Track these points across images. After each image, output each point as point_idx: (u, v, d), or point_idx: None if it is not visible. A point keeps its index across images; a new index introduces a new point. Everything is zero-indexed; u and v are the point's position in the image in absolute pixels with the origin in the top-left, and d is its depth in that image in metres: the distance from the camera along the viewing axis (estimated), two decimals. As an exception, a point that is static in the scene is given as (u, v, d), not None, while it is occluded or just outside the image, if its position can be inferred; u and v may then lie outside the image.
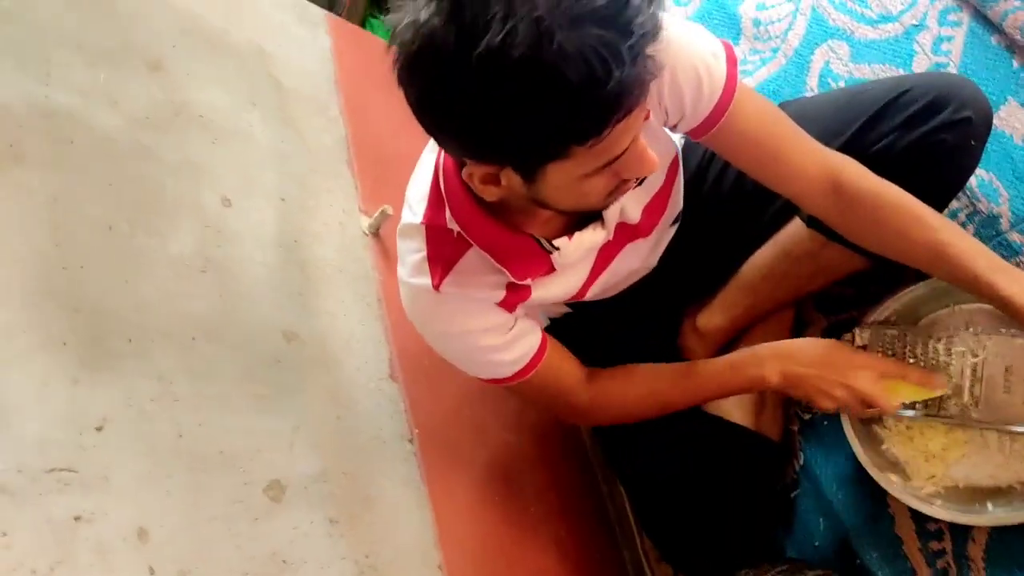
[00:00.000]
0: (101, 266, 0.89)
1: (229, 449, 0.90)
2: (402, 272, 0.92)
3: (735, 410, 1.09)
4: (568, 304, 1.09)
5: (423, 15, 0.61)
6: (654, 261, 1.09)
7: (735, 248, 1.11)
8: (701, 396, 1.02)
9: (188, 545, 0.80)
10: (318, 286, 1.15)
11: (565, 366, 1.02)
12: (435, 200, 0.87)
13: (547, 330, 1.08)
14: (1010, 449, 0.91)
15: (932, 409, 0.94)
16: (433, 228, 0.88)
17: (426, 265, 0.88)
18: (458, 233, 0.86)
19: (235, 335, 0.99)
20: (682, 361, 1.12)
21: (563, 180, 0.71)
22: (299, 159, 1.27)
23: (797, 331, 1.15)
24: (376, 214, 1.28)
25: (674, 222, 1.06)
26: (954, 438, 0.94)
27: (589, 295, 1.04)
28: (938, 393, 0.92)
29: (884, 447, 0.98)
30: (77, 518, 0.73)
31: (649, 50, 0.62)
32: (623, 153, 0.70)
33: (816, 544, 1.07)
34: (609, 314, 1.11)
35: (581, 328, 1.11)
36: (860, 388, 0.90)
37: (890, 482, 0.95)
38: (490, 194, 0.75)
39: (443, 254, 0.88)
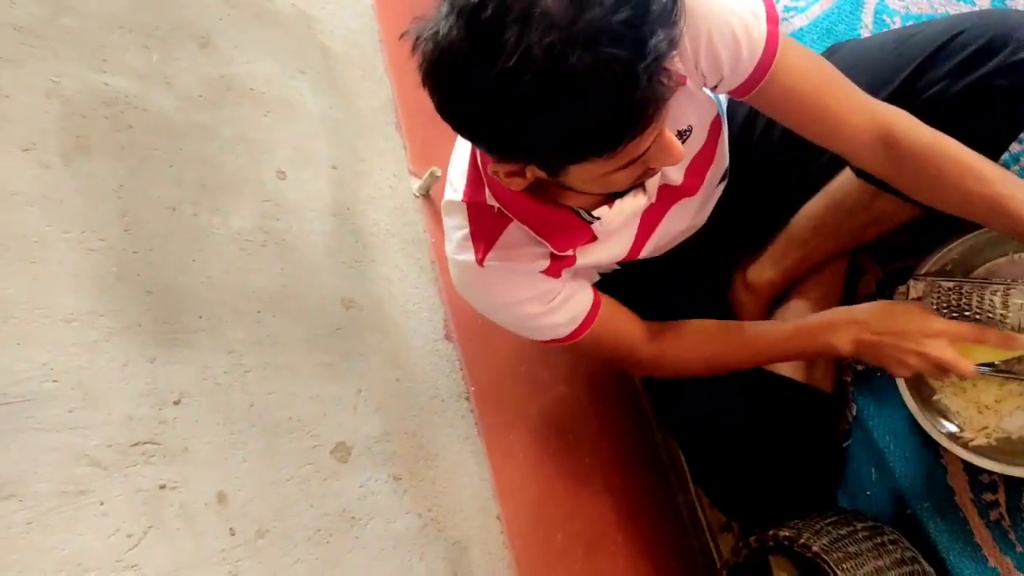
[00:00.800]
0: (168, 247, 0.94)
1: (297, 415, 0.96)
2: (448, 248, 0.95)
3: (786, 363, 1.10)
4: (619, 263, 1.10)
5: (443, 27, 0.62)
6: (703, 219, 1.08)
7: (785, 200, 1.10)
8: (766, 360, 1.02)
9: (264, 506, 0.87)
10: (373, 252, 1.18)
11: (623, 323, 1.04)
12: (474, 177, 0.89)
13: (597, 285, 1.10)
14: (1065, 404, 0.91)
15: (1011, 364, 0.93)
16: (474, 205, 0.90)
17: (469, 242, 0.90)
18: (498, 209, 0.88)
19: (297, 306, 1.04)
20: (732, 316, 1.13)
21: (587, 176, 0.73)
22: (348, 124, 1.29)
23: (851, 281, 1.14)
24: (425, 176, 1.30)
25: (721, 180, 1.05)
26: (1009, 390, 0.93)
27: (640, 256, 1.05)
28: (1018, 353, 0.90)
29: (936, 398, 0.98)
30: (162, 486, 0.80)
31: (666, 66, 0.61)
32: (646, 151, 0.70)
33: (868, 494, 1.09)
34: (660, 270, 1.12)
35: (631, 284, 1.13)
36: (936, 356, 0.88)
37: (941, 433, 0.95)
38: (517, 185, 0.77)
39: (485, 230, 0.90)
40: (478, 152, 0.88)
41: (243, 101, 1.15)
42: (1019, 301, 0.91)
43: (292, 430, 0.94)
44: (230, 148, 1.09)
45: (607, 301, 1.02)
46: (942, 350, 0.88)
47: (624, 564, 1.20)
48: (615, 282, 1.12)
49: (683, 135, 0.92)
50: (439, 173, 1.28)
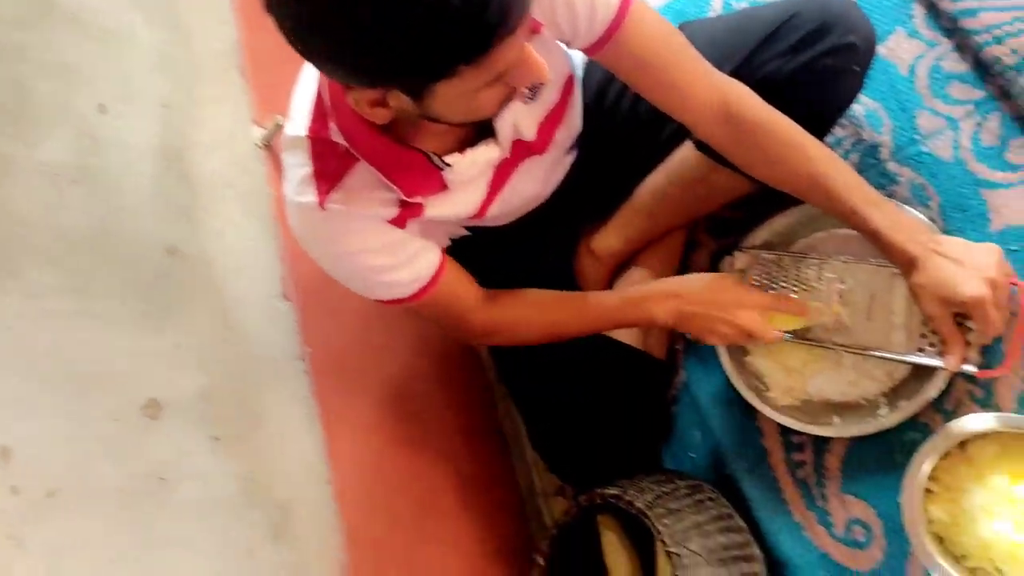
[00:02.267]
0: (-42, 175, 0.83)
1: (105, 367, 0.88)
2: (287, 189, 0.88)
3: (624, 330, 1.12)
4: (467, 227, 1.08)
5: None
6: (552, 187, 1.09)
7: (631, 172, 1.12)
8: (595, 328, 1.05)
9: (57, 464, 0.79)
10: (205, 200, 1.11)
11: (462, 288, 1.02)
12: (319, 111, 0.84)
13: (446, 251, 1.08)
14: (863, 368, 0.97)
15: (810, 333, 0.98)
16: (318, 141, 0.84)
17: (311, 181, 0.85)
18: (345, 148, 0.84)
19: (114, 249, 0.95)
20: (575, 283, 1.14)
21: (453, 95, 0.70)
22: (186, 64, 1.20)
23: (687, 253, 1.18)
24: (270, 125, 1.23)
25: (571, 148, 1.06)
26: (815, 355, 1.00)
27: (488, 216, 1.03)
28: (812, 322, 0.97)
29: (748, 359, 1.04)
30: (-68, 438, 0.71)
31: None
32: (510, 68, 0.69)
33: (692, 455, 1.13)
34: (508, 237, 1.11)
35: (479, 250, 1.11)
36: (743, 325, 0.95)
37: (750, 392, 1.01)
38: (380, 117, 0.73)
39: (329, 169, 0.84)
40: (326, 85, 0.83)
41: (65, 26, 1.04)
42: (831, 275, 0.98)
43: (98, 383, 0.86)
44: (44, 74, 0.98)
45: (451, 264, 1.00)
46: (749, 319, 0.95)
47: (457, 527, 1.19)
48: (465, 248, 1.11)
49: (536, 89, 0.91)
50: (284, 122, 1.21)
